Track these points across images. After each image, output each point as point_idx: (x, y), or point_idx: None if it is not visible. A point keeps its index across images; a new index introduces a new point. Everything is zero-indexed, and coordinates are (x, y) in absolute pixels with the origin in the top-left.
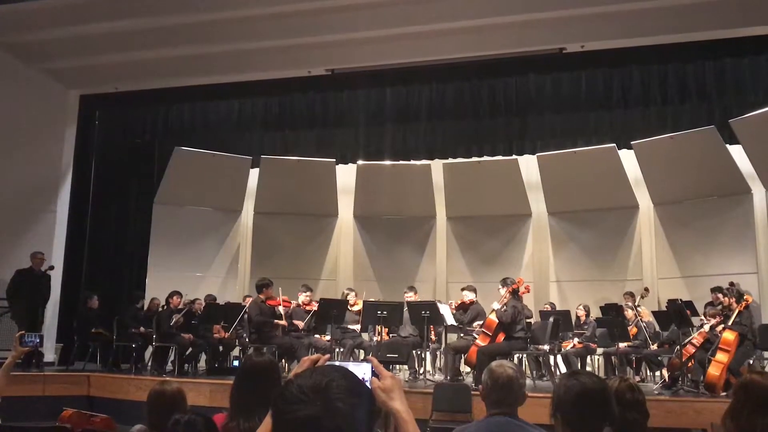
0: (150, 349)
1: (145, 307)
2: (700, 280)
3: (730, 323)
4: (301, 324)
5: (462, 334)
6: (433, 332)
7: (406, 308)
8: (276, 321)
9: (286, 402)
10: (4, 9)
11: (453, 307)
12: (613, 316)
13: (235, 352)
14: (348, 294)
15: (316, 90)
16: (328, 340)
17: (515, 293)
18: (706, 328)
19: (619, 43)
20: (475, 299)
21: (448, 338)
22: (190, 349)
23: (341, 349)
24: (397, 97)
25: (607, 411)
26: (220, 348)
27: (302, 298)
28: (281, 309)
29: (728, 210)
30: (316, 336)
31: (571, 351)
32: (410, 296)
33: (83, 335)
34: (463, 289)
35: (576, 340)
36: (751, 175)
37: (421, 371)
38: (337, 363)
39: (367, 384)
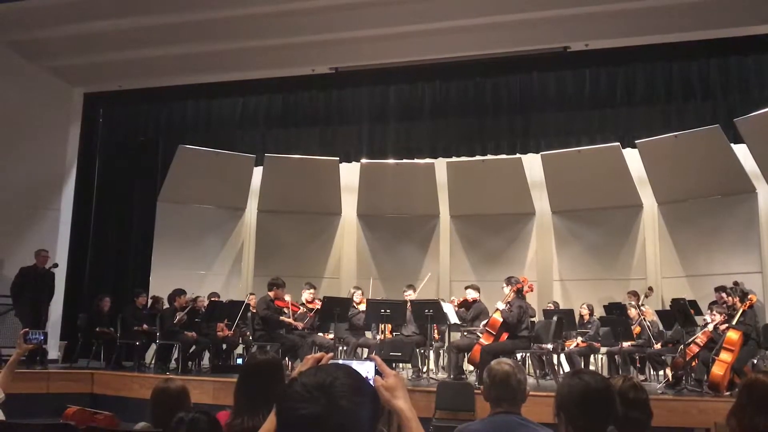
0: (153, 346)
1: (148, 305)
2: (704, 280)
3: (734, 322)
4: (300, 325)
5: (465, 333)
6: (436, 331)
7: (409, 307)
8: (282, 318)
9: (289, 400)
10: (9, 7)
11: (455, 304)
12: (616, 315)
13: (239, 350)
14: (354, 293)
15: (320, 88)
16: (332, 339)
17: (519, 292)
18: (710, 327)
19: (624, 41)
20: (478, 298)
21: (452, 337)
22: (194, 347)
23: (345, 348)
24: (401, 96)
25: (611, 410)
26: (224, 346)
27: (306, 295)
28: (287, 311)
29: (732, 209)
30: (320, 334)
31: (574, 350)
32: (410, 294)
33: (88, 333)
34: (467, 288)
35: (579, 339)
36: (756, 174)
37: (425, 370)
38: (340, 361)
39: (371, 382)
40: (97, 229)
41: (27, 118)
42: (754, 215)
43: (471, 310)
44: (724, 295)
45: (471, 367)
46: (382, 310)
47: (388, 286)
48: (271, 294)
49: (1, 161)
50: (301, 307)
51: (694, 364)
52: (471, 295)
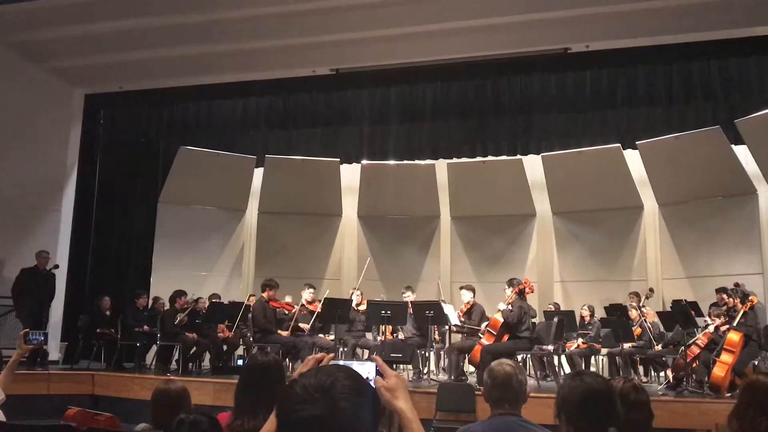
0: (154, 348)
1: (149, 305)
2: (704, 281)
3: (735, 324)
4: (306, 327)
5: (465, 336)
6: (437, 332)
7: (410, 308)
8: (279, 332)
9: (290, 401)
10: (10, 8)
11: (461, 316)
12: (617, 316)
13: (239, 351)
14: (353, 293)
15: (321, 89)
16: (332, 340)
17: (521, 293)
18: (711, 328)
19: (624, 43)
20: (472, 300)
21: (452, 338)
22: (195, 348)
23: (345, 349)
24: (402, 97)
25: (612, 411)
26: (224, 347)
27: (306, 295)
28: (285, 311)
29: (733, 210)
30: (320, 335)
31: (575, 351)
32: (408, 296)
33: (89, 334)
34: (461, 288)
35: (580, 340)
36: (757, 176)
37: (425, 371)
38: (341, 362)
39: (371, 383)
40: (98, 230)
41: (28, 118)
42: (754, 216)
43: (474, 315)
44: (724, 296)
45: (472, 368)
46: (383, 312)
47: (388, 288)
48: (264, 295)
49: (1, 162)
50: (295, 306)
51: (695, 365)
52: (467, 297)
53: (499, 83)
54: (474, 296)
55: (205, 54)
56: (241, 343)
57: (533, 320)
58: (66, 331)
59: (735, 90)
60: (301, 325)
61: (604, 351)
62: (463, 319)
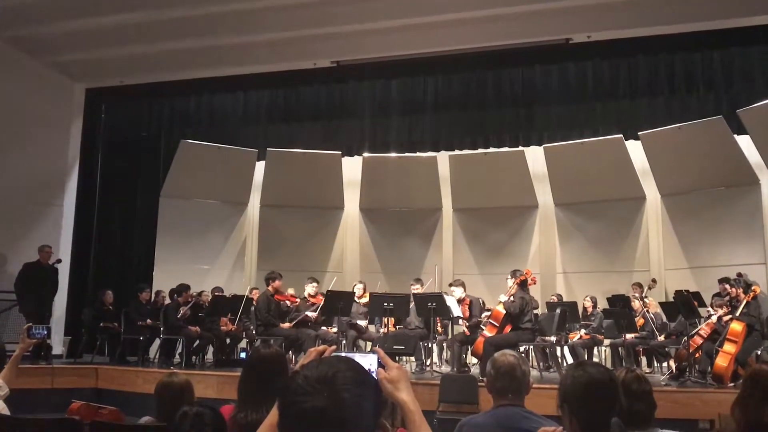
0: (157, 341)
1: (152, 299)
2: (707, 271)
3: (737, 314)
4: (315, 316)
5: (467, 332)
6: (439, 324)
7: (412, 301)
8: (282, 325)
9: (292, 393)
10: (11, 2)
11: (465, 315)
12: (620, 307)
13: (242, 344)
14: (355, 285)
15: (322, 82)
16: (335, 332)
17: (523, 284)
18: (714, 318)
19: (626, 33)
20: (464, 295)
21: (455, 330)
22: (198, 342)
23: (346, 341)
24: (403, 89)
25: (614, 402)
26: (227, 340)
27: (309, 289)
28: (288, 303)
29: (736, 200)
30: (323, 328)
31: (578, 342)
32: (417, 288)
33: (92, 328)
34: (450, 285)
35: (583, 331)
36: (759, 166)
37: (428, 363)
38: (343, 354)
39: (374, 375)
40: (101, 224)
41: (29, 114)
42: (757, 206)
43: (474, 310)
44: (727, 286)
45: (474, 360)
46: (386, 304)
47: (391, 280)
48: (270, 289)
49: (3, 157)
50: (299, 300)
51: (697, 355)
52: (458, 293)
53: (500, 74)
54: (465, 290)
55: (205, 47)
56: (244, 336)
57: (535, 311)
58: (69, 325)
59: (737, 80)
60: (308, 314)
61: (606, 342)
62: (467, 323)
